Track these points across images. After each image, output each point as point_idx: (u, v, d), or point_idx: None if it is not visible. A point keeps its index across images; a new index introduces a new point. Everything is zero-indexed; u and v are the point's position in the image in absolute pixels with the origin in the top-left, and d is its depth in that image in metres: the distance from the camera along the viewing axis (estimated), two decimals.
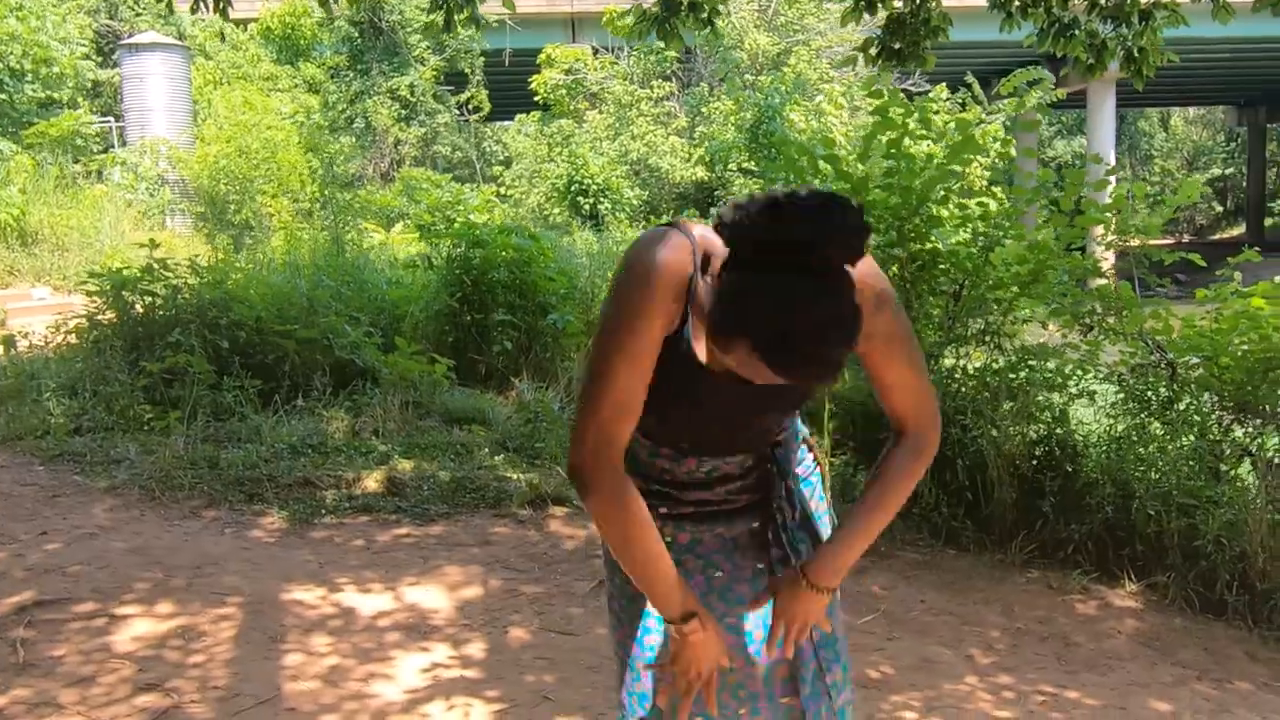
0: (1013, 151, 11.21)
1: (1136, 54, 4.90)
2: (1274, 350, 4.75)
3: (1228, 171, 40.86)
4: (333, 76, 20.86)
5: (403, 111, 20.79)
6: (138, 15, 19.37)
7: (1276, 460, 4.67)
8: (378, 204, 15.18)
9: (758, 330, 1.27)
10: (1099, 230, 5.45)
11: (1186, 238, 37.80)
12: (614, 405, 1.42)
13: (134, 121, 16.35)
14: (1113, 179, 5.76)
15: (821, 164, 5.81)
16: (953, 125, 7.08)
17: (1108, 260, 5.87)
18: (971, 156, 6.36)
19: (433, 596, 3.77)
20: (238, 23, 17.42)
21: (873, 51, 4.94)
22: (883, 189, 5.61)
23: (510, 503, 4.86)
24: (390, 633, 3.44)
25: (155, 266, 6.70)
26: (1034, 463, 4.53)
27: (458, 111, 21.97)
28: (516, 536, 4.49)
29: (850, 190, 5.55)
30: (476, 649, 3.34)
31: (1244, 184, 37.17)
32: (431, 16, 5.27)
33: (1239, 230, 36.71)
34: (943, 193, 5.66)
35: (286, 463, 5.20)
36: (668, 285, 1.41)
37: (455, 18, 5.27)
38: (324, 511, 4.69)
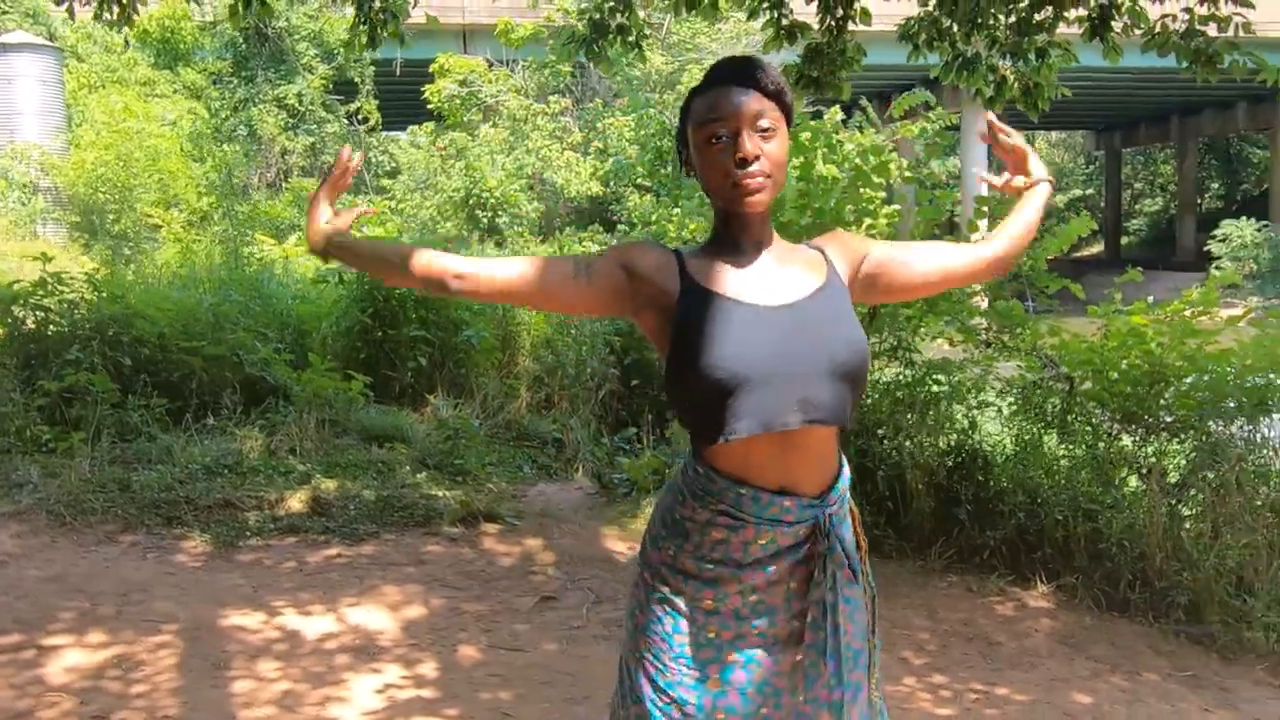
0: (905, 174, 11.73)
1: (1032, 88, 5.23)
2: (1159, 365, 5.12)
3: (1087, 192, 43.29)
4: (215, 83, 20.19)
5: (290, 120, 20.27)
6: (4, 14, 18.37)
7: (1164, 467, 5.05)
8: (269, 215, 14.77)
9: (685, 111, 1.62)
10: None
11: (1051, 255, 39.81)
12: (518, 263, 1.58)
13: (1, 125, 15.50)
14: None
15: None
16: (853, 148, 7.39)
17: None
18: (880, 179, 6.67)
19: (376, 617, 3.74)
20: (112, 25, 16.66)
21: (791, 79, 5.13)
22: (796, 210, 5.81)
23: (440, 520, 4.84)
24: (339, 655, 3.40)
25: (49, 280, 6.41)
26: (948, 473, 4.77)
27: (347, 121, 21.56)
28: (451, 554, 4.48)
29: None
30: (428, 668, 3.34)
31: (1102, 205, 39.48)
32: (356, 34, 5.21)
33: (1098, 248, 38.92)
34: (853, 213, 5.91)
35: (203, 484, 5.06)
36: (633, 245, 1.64)
37: (380, 33, 5.23)
38: (249, 533, 4.58)
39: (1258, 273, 26.60)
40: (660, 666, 1.58)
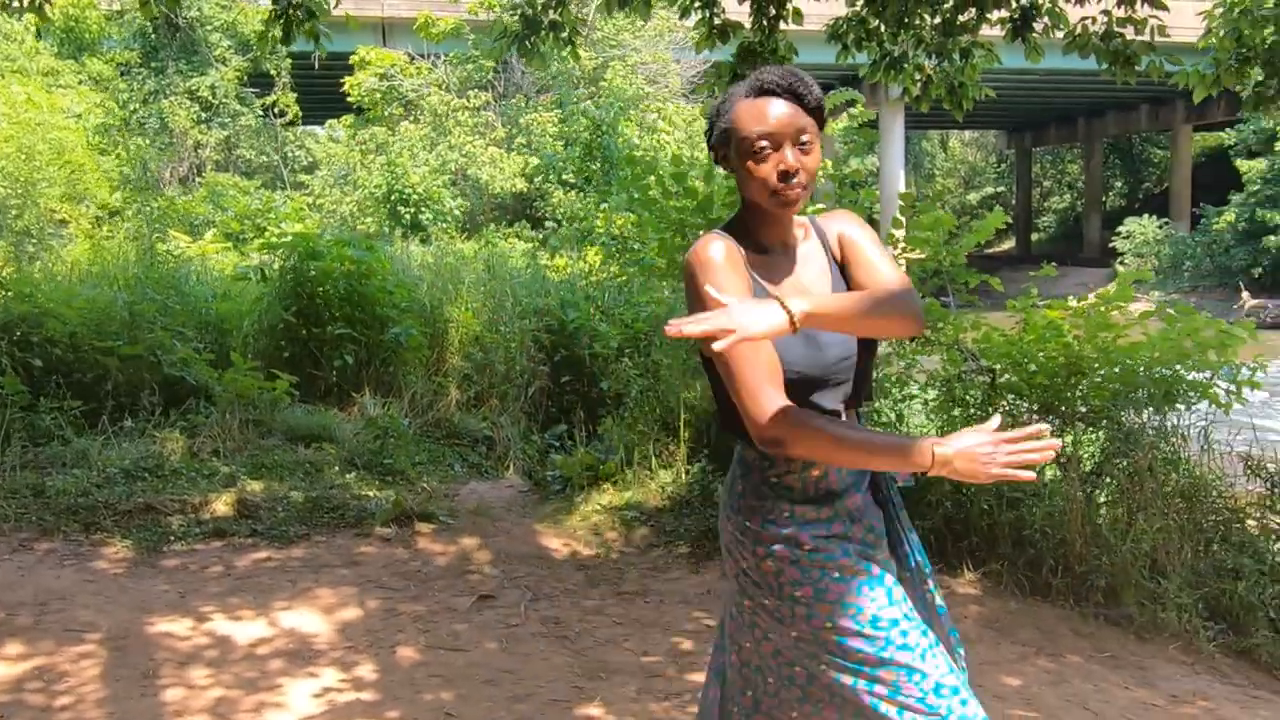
0: (828, 172, 11.97)
1: (957, 87, 5.36)
2: (1076, 357, 5.30)
3: (999, 190, 44.57)
4: (123, 74, 19.53)
5: (203, 113, 19.72)
6: None
7: (1080, 456, 5.23)
8: (183, 210, 14.34)
9: (725, 112, 1.73)
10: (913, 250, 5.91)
11: (969, 250, 40.93)
12: (753, 372, 1.64)
13: None
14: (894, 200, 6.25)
15: (667, 181, 6.03)
16: None
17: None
18: None
19: (309, 620, 3.67)
20: (21, 12, 15.96)
21: (725, 78, 5.17)
22: (726, 207, 5.87)
23: (372, 521, 4.77)
24: (272, 660, 3.33)
25: None
26: None
27: (263, 114, 21.05)
28: (385, 555, 4.41)
29: (696, 208, 5.79)
30: (367, 671, 3.29)
31: (1013, 202, 40.67)
32: (270, 28, 5.08)
33: (1010, 244, 40.09)
34: None
35: (122, 488, 4.91)
36: (712, 257, 1.70)
37: (295, 31, 5.10)
38: (172, 538, 4.46)
39: (1159, 268, 27.72)
40: (858, 605, 1.70)
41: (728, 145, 1.73)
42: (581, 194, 15.79)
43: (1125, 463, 4.93)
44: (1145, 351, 5.30)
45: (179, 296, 7.31)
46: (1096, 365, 5.32)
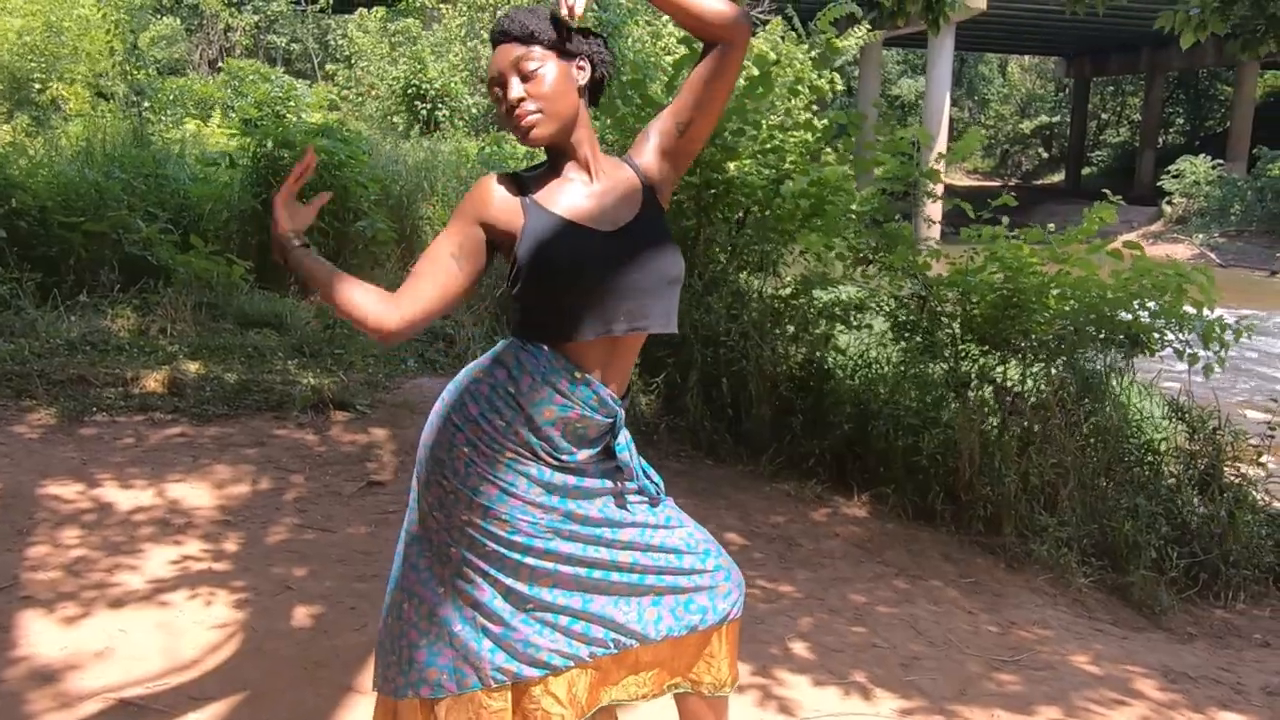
0: (838, 86, 11.64)
1: (934, 3, 5.22)
2: (1016, 290, 5.23)
3: (1054, 120, 43.12)
4: None
5: None
6: None
7: (1010, 386, 5.21)
8: (197, 94, 14.39)
9: None
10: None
11: (1013, 181, 39.96)
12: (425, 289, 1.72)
13: None
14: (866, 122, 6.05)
15: (626, 88, 5.96)
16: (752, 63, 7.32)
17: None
18: (770, 93, 6.60)
19: (197, 494, 3.83)
20: None
21: None
22: None
23: (293, 406, 4.90)
24: (145, 527, 3.49)
25: None
26: (792, 384, 4.89)
27: (296, 1, 20.88)
28: (294, 439, 4.55)
29: (653, 116, 5.73)
30: (231, 544, 3.44)
31: (1068, 133, 39.35)
32: None
33: (1059, 177, 38.96)
34: (740, 125, 5.88)
35: (61, 359, 5.09)
36: (472, 198, 1.74)
37: None
38: (96, 409, 4.62)
39: (1206, 210, 26.82)
40: (512, 524, 1.68)
41: None
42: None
43: (1042, 397, 4.92)
44: (1093, 289, 5.22)
45: (155, 178, 7.42)
46: (1042, 300, 5.25)
